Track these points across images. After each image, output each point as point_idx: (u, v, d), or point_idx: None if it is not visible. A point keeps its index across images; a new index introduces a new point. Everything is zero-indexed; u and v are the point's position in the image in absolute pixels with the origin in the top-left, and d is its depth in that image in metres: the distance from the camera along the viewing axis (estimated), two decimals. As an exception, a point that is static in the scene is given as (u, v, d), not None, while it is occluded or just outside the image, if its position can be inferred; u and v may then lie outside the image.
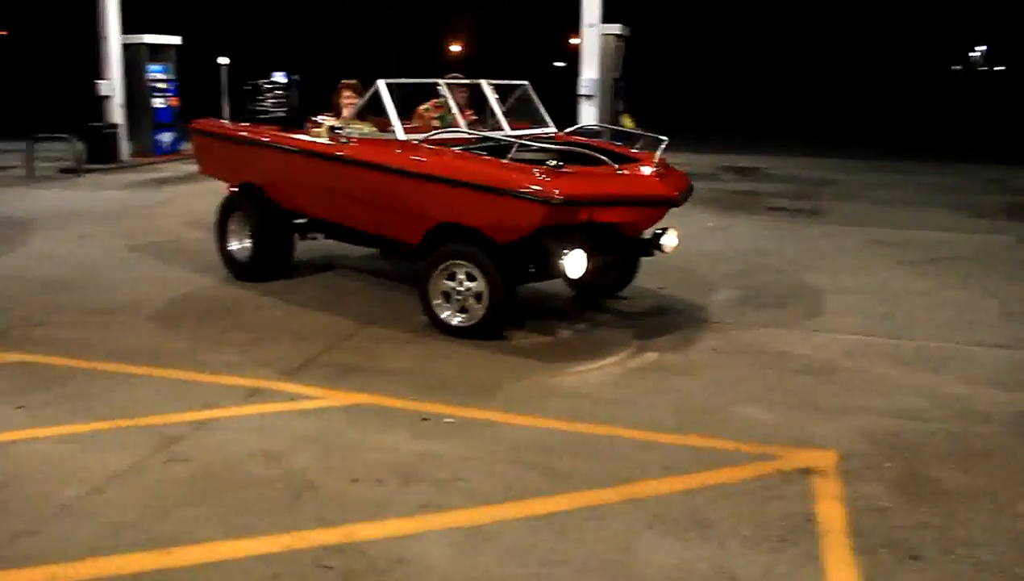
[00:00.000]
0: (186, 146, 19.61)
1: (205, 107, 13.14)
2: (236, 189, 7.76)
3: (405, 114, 6.91)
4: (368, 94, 6.70)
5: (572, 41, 39.09)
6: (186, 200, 12.46)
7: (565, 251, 5.72)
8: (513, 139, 6.34)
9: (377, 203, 6.48)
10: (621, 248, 6.50)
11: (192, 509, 3.72)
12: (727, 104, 38.53)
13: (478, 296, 5.94)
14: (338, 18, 45.60)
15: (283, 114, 7.91)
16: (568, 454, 4.30)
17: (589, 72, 14.93)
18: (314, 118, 7.45)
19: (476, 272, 5.88)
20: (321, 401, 4.96)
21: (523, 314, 6.47)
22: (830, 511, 3.77)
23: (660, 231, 6.42)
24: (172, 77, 18.22)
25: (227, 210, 7.78)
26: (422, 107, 7.33)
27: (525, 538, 3.52)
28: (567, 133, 7.40)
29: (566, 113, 7.01)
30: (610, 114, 15.54)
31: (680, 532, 3.58)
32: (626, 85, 16.23)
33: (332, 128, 6.77)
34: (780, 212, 11.86)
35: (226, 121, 8.71)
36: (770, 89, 46.67)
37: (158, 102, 17.87)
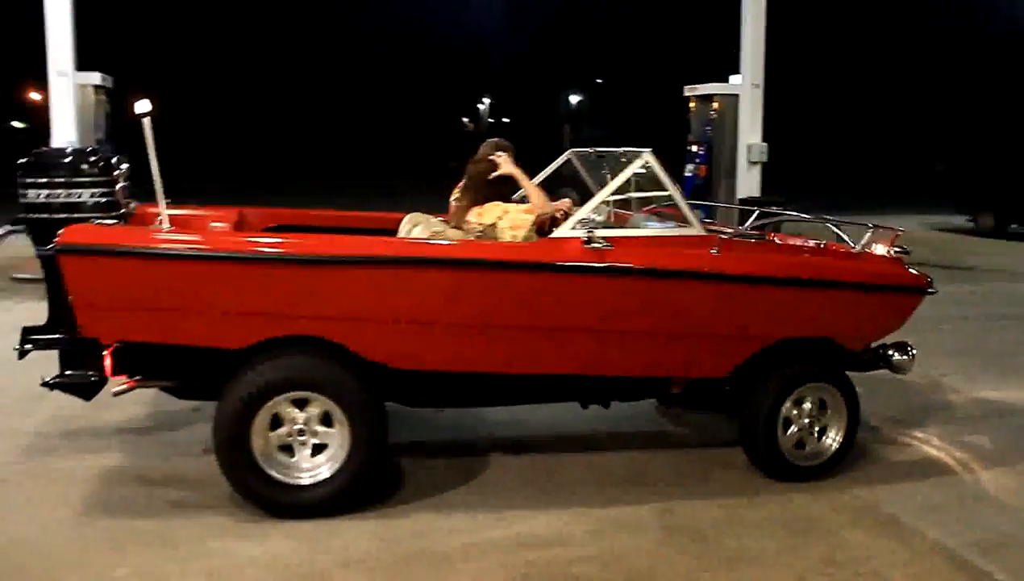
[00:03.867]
0: None
1: None
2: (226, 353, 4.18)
3: None
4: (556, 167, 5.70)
5: (33, 95, 33.85)
6: None
7: (907, 346, 5.09)
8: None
9: (658, 331, 4.60)
10: None
11: None
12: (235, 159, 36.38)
13: (822, 423, 4.87)
14: None
15: (128, 207, 4.70)
16: None
17: (64, 133, 12.56)
18: (158, 210, 4.25)
19: (830, 395, 4.83)
20: None
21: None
22: None
23: None
24: None
25: (257, 401, 4.09)
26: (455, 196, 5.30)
27: None
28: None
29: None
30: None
31: None
32: (112, 148, 13.85)
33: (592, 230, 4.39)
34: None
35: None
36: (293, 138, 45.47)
37: None
